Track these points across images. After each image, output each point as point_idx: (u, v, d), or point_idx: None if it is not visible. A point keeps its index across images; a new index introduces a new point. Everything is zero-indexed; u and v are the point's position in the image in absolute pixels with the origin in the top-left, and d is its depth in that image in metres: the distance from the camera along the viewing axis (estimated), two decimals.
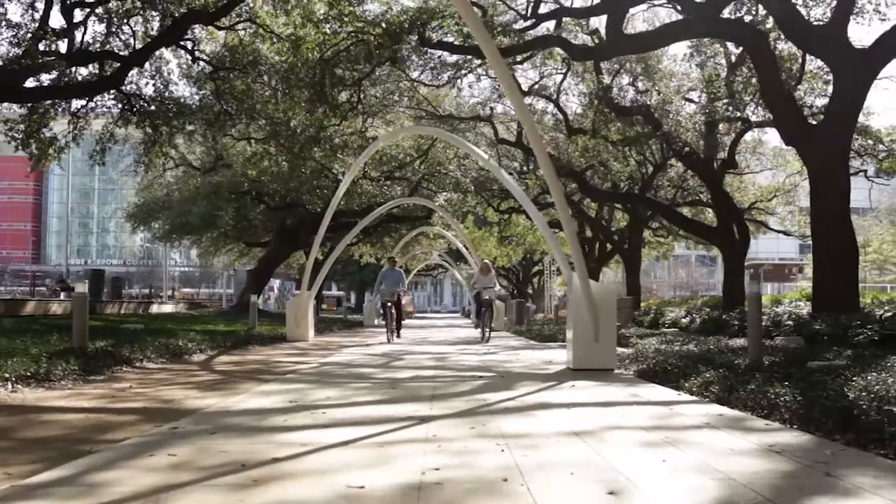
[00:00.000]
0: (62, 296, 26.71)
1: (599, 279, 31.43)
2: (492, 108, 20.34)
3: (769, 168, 23.64)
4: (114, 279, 23.07)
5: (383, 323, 13.71)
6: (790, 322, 10.82)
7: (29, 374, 5.52)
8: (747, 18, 14.57)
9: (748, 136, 20.32)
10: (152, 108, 15.97)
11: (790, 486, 2.47)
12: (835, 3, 12.00)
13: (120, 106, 15.99)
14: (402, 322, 14.63)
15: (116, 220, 79.00)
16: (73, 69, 14.94)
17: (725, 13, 14.44)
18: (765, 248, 58.74)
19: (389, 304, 13.14)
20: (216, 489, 2.51)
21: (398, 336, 13.74)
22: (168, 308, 22.47)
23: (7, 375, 5.29)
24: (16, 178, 60.03)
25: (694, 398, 4.90)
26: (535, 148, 7.51)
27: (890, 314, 9.00)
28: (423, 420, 3.98)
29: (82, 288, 7.36)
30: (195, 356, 8.68)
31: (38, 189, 77.04)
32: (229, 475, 2.71)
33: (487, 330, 13.34)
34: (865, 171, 19.36)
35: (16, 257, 67.33)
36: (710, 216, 22.02)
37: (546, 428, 3.72)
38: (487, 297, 13.56)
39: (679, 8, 14.20)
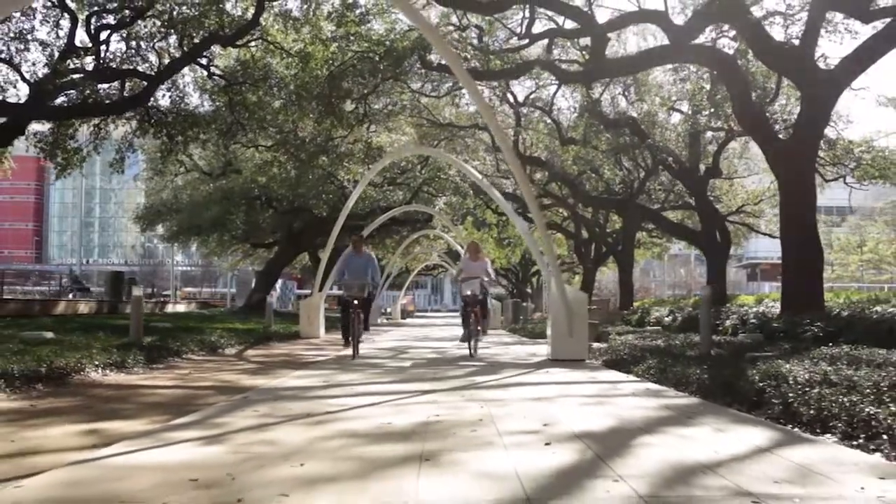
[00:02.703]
0: (70, 295, 28.30)
1: (596, 278, 33.06)
2: None
3: (756, 173, 25.11)
4: (130, 280, 24.63)
5: (386, 322, 14.28)
6: (754, 320, 12.32)
7: (110, 362, 7.06)
8: (732, 33, 16.06)
9: (735, 142, 21.80)
10: (169, 119, 17.43)
11: (658, 422, 4.01)
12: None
13: (138, 117, 17.47)
14: (370, 327, 9.68)
15: (118, 219, 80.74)
16: (97, 86, 16.43)
17: (707, 30, 15.93)
18: (764, 247, 60.22)
19: (356, 301, 9.20)
20: (297, 424, 4.05)
21: (357, 346, 9.31)
22: (181, 307, 24.06)
23: (97, 363, 6.82)
24: (18, 178, 61.59)
25: (637, 379, 6.44)
26: (508, 157, 9.09)
27: (836, 313, 10.53)
28: (427, 392, 5.53)
29: (138, 291, 8.88)
30: (227, 350, 10.24)
31: (39, 188, 78.80)
32: (301, 419, 4.25)
33: (473, 339, 9.47)
34: (844, 176, 20.86)
35: (17, 256, 69.05)
36: (698, 219, 23.49)
37: (516, 396, 5.26)
38: (470, 293, 9.56)
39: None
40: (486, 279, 9.96)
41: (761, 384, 4.66)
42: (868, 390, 4.01)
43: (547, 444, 3.40)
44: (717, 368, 5.90)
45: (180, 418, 4.34)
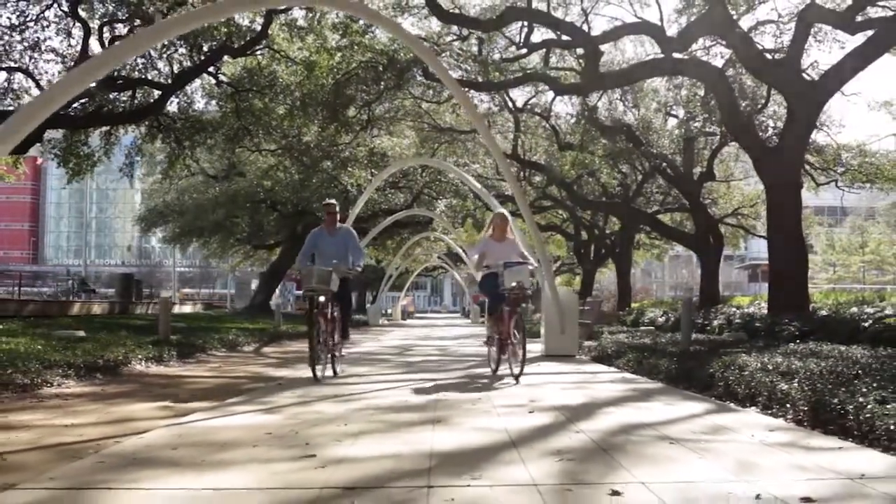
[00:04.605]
0: (72, 296, 29.40)
1: (596, 279, 34.19)
2: (489, 121, 22.94)
3: (751, 175, 26.17)
4: (137, 282, 25.77)
5: (387, 322, 14.67)
6: (739, 320, 13.43)
7: (150, 356, 8.15)
8: (724, 41, 17.12)
9: (729, 146, 22.86)
10: (177, 124, 18.47)
11: (622, 399, 5.11)
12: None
13: (147, 123, 18.50)
14: (349, 335, 7.63)
15: (114, 219, 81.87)
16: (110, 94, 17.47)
17: (701, 39, 16.99)
18: (766, 248, 61.32)
19: (322, 298, 6.57)
20: (332, 402, 5.14)
21: (337, 365, 7.09)
22: (187, 308, 25.19)
23: (140, 357, 7.92)
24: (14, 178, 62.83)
25: (617, 370, 7.55)
26: (500, 163, 10.21)
27: (816, 313, 11.61)
28: (433, 380, 6.63)
29: (167, 294, 9.96)
30: (245, 347, 11.34)
31: (35, 188, 79.95)
32: (333, 398, 5.34)
33: (521, 354, 6.49)
34: (836, 180, 21.95)
35: (14, 257, 70.16)
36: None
37: (509, 383, 6.36)
38: (517, 285, 6.63)
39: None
40: (528, 267, 6.92)
41: (712, 371, 5.75)
42: (798, 375, 5.09)
43: (531, 412, 4.50)
44: (685, 360, 6.99)
45: (232, 398, 5.43)
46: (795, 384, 4.54)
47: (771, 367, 5.71)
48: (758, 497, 2.47)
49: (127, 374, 7.27)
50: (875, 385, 4.28)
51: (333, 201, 7.55)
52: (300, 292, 46.83)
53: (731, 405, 4.84)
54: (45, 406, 5.09)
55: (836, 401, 3.93)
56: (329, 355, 6.91)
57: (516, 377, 6.43)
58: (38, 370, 6.14)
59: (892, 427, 3.41)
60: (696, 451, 3.27)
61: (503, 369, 6.91)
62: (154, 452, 3.38)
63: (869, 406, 3.70)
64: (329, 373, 6.89)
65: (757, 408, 4.66)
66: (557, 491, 2.60)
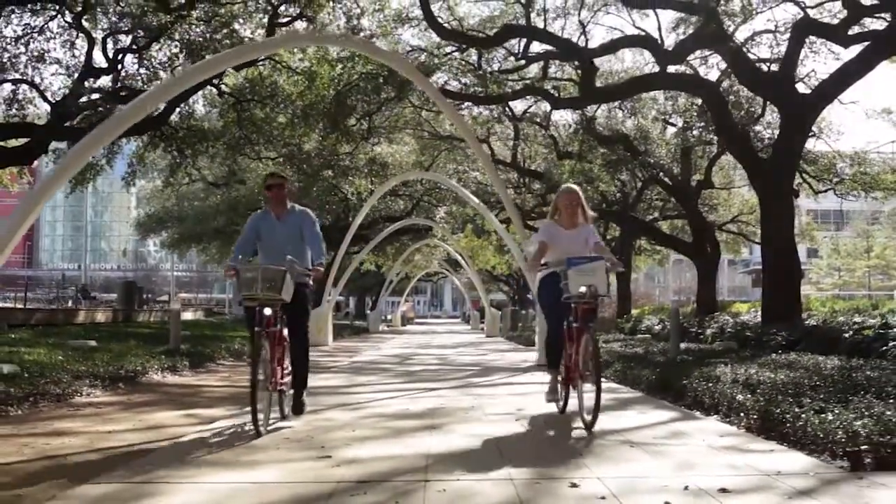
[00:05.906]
0: (70, 303, 30.15)
1: None
2: (488, 130, 23.69)
3: (748, 183, 26.88)
4: (139, 289, 26.51)
5: (386, 329, 14.74)
6: (731, 329, 14.14)
7: (165, 366, 8.87)
8: (720, 53, 17.84)
9: (727, 154, 23.58)
10: (179, 134, 19.20)
11: (606, 408, 5.83)
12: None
13: (149, 132, 19.21)
14: (306, 384, 5.67)
15: (109, 224, 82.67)
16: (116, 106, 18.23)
17: (697, 52, 17.70)
18: None
19: (266, 310, 4.91)
20: (340, 410, 5.87)
21: (292, 410, 5.44)
22: (188, 315, 25.94)
23: (156, 367, 8.65)
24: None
25: (603, 380, 8.24)
26: (488, 171, 10.92)
27: (805, 323, 12.29)
28: (433, 389, 7.37)
29: (177, 305, 10.71)
30: None
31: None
32: (341, 407, 6.07)
33: (594, 393, 4.92)
34: (833, 188, 22.65)
35: (9, 261, 70.86)
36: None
37: (501, 392, 7.12)
38: (587, 290, 4.92)
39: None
40: (610, 264, 5.12)
41: (685, 382, 6.47)
42: (761, 386, 5.81)
43: (517, 420, 5.23)
44: (666, 371, 7.71)
45: (248, 407, 6.15)
46: (750, 395, 5.26)
47: (742, 378, 6.43)
48: (686, 488, 3.20)
49: (146, 383, 8.00)
50: (822, 396, 5.01)
51: (279, 172, 5.01)
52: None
53: (697, 414, 5.57)
54: (83, 414, 5.81)
55: (778, 410, 4.65)
56: (276, 393, 5.16)
57: (588, 426, 4.77)
58: (70, 381, 6.86)
59: (818, 433, 4.14)
60: (650, 453, 4.00)
61: (572, 407, 5.33)
62: (194, 454, 4.11)
63: (804, 415, 4.43)
64: (276, 415, 5.22)
65: (718, 416, 5.38)
66: (528, 484, 3.33)
